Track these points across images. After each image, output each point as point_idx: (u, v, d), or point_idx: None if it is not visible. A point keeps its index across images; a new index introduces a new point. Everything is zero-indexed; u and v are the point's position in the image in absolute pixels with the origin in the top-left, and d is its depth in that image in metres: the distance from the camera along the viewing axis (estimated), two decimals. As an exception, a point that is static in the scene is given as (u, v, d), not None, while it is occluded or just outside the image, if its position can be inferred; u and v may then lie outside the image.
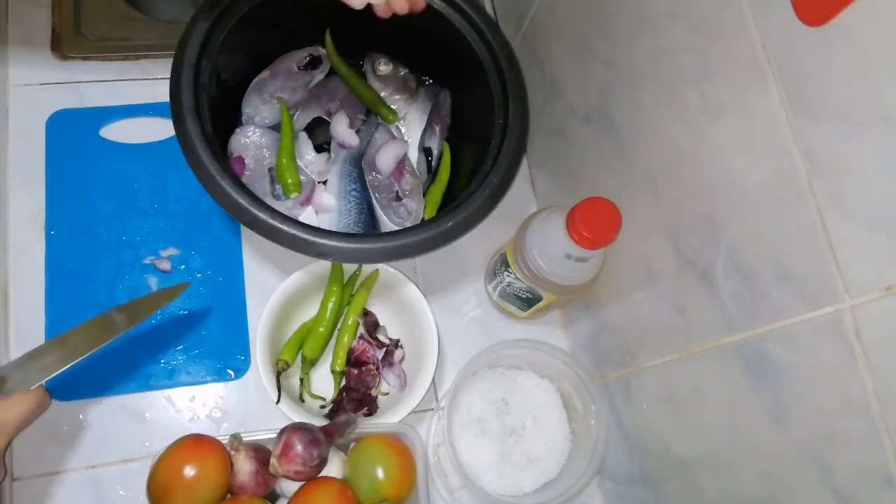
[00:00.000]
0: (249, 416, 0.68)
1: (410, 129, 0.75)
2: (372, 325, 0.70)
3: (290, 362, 0.65)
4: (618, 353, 0.66)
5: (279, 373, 0.63)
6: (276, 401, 0.62)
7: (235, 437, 0.58)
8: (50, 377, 0.48)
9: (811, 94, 0.39)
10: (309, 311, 0.69)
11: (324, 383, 0.69)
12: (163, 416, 0.66)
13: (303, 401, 0.66)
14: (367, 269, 0.69)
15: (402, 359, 0.70)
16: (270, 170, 0.70)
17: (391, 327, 0.71)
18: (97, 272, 0.69)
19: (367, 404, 0.67)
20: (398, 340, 0.70)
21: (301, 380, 0.67)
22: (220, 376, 0.68)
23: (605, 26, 0.59)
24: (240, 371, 0.69)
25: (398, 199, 0.71)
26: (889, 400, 0.37)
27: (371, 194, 0.70)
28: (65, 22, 0.77)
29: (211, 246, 0.72)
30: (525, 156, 0.82)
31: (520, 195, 0.81)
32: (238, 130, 0.71)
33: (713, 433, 0.54)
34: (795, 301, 0.42)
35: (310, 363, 0.67)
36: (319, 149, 0.73)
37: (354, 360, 0.68)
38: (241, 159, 0.70)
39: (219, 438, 0.58)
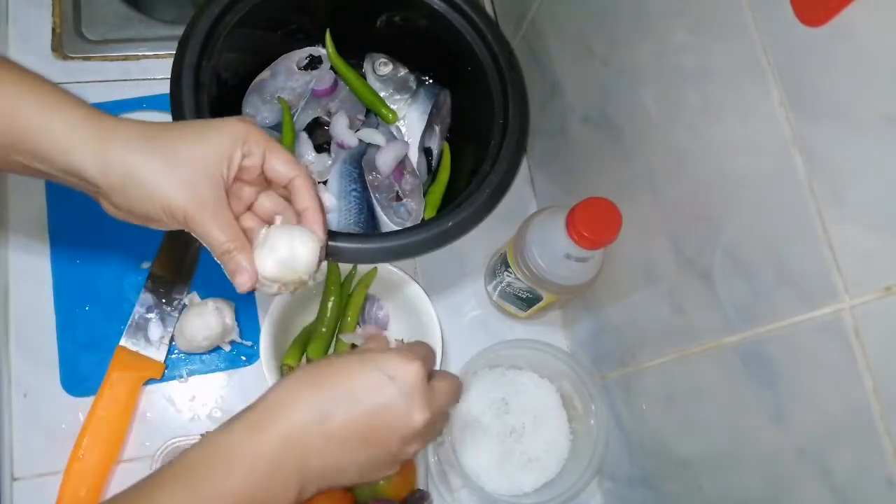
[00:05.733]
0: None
1: (410, 129, 0.75)
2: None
3: (294, 366, 0.65)
4: (618, 353, 0.66)
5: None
6: None
7: None
8: None
9: (811, 94, 0.39)
10: (312, 312, 0.69)
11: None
12: (163, 416, 0.66)
13: None
14: (365, 267, 0.69)
15: None
16: (270, 170, 0.70)
17: (395, 326, 0.71)
18: (105, 268, 0.69)
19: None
20: (402, 340, 0.70)
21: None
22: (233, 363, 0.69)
23: (605, 26, 0.59)
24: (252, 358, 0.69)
25: (398, 199, 0.71)
26: (889, 400, 0.37)
27: (371, 194, 0.70)
28: (65, 22, 0.77)
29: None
30: (525, 156, 0.82)
31: (520, 195, 0.81)
32: (238, 130, 0.71)
33: (713, 433, 0.54)
34: (795, 301, 0.42)
35: (312, 364, 0.67)
36: (319, 149, 0.73)
37: None
38: (241, 159, 0.70)
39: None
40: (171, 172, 0.41)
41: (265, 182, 0.48)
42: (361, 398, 0.40)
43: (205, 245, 0.43)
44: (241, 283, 0.44)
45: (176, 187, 0.41)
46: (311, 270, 0.46)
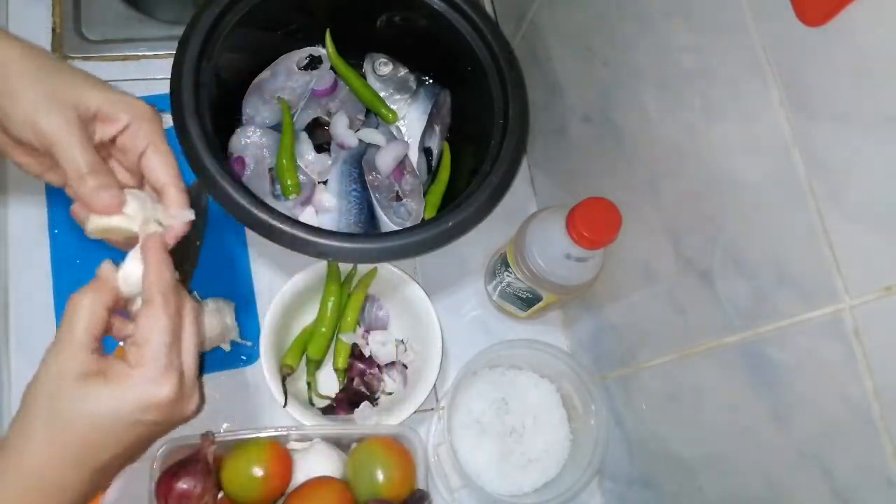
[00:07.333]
0: (251, 415, 0.68)
1: (410, 129, 0.75)
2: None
3: (294, 367, 0.65)
4: (618, 353, 0.66)
5: (284, 377, 0.63)
6: (283, 405, 0.62)
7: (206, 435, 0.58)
8: None
9: (811, 94, 0.39)
10: (312, 312, 0.69)
11: (329, 382, 0.69)
12: (163, 416, 0.66)
13: (312, 404, 0.67)
14: (365, 267, 0.69)
15: (405, 351, 0.70)
16: (270, 170, 0.70)
17: (395, 326, 0.71)
18: None
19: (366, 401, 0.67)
20: (402, 340, 0.70)
21: (308, 383, 0.67)
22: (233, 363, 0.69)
23: (605, 26, 0.59)
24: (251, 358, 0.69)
25: (398, 199, 0.71)
26: (889, 400, 0.37)
27: (371, 194, 0.70)
28: (65, 22, 0.77)
29: (216, 242, 0.72)
30: (525, 156, 0.82)
31: (520, 195, 0.81)
32: (238, 131, 0.71)
33: (713, 433, 0.54)
34: (795, 301, 0.42)
35: (315, 364, 0.67)
36: (320, 149, 0.73)
37: (359, 354, 0.69)
38: (241, 159, 0.70)
39: (214, 436, 0.58)
40: (45, 81, 0.41)
41: (139, 178, 0.47)
42: (117, 444, 0.41)
43: (65, 167, 0.42)
44: (104, 199, 0.42)
45: (45, 99, 0.40)
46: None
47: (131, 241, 0.46)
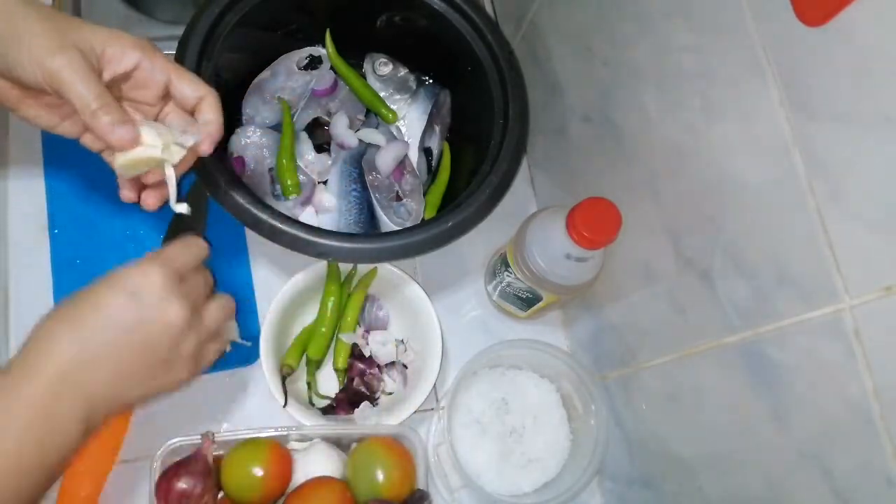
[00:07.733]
0: (251, 415, 0.68)
1: (410, 129, 0.75)
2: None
3: (294, 367, 0.65)
4: (618, 353, 0.66)
5: (284, 377, 0.63)
6: (283, 405, 0.62)
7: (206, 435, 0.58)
8: None
9: (811, 94, 0.39)
10: (313, 312, 0.69)
11: (329, 382, 0.69)
12: (163, 416, 0.66)
13: (312, 404, 0.67)
14: (365, 267, 0.70)
15: (405, 351, 0.70)
16: (271, 170, 0.70)
17: (395, 326, 0.71)
18: (105, 268, 0.69)
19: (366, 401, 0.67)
20: (402, 340, 0.70)
21: (308, 384, 0.67)
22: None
23: (605, 26, 0.59)
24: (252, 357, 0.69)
25: (398, 199, 0.71)
26: (889, 400, 0.37)
27: (371, 194, 0.70)
28: (65, 22, 0.77)
29: (216, 242, 0.72)
30: (525, 156, 0.82)
31: (520, 195, 0.81)
32: (238, 130, 0.71)
33: (713, 433, 0.54)
34: (795, 301, 0.42)
35: (315, 364, 0.67)
36: (320, 149, 0.73)
37: (359, 354, 0.69)
38: (241, 159, 0.70)
39: (214, 436, 0.58)
40: (49, 23, 0.42)
41: (166, 100, 0.49)
42: (114, 322, 0.42)
43: (76, 104, 0.43)
44: (120, 135, 0.43)
45: (50, 39, 0.42)
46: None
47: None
